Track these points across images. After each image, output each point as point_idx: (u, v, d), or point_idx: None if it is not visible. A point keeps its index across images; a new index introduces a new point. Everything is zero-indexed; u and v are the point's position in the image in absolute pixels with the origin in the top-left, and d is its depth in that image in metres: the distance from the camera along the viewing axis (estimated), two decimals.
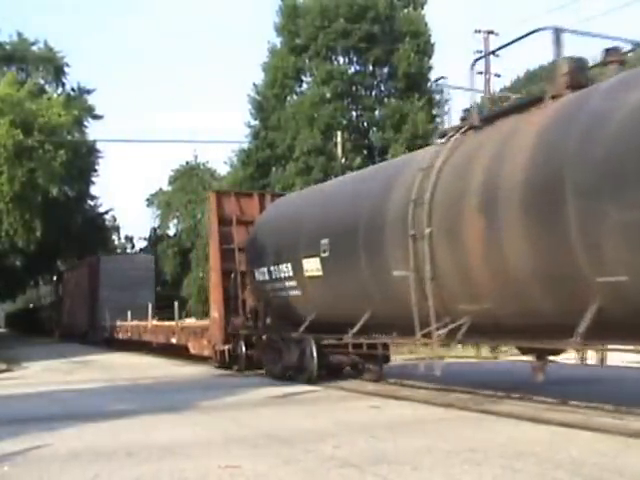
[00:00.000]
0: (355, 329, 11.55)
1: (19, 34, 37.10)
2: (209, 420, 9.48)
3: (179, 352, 21.19)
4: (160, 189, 76.38)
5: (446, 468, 6.22)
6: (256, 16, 60.49)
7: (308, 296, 13.30)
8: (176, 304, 21.97)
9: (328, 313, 12.86)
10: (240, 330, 16.44)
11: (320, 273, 12.65)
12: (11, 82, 30.43)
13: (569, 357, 14.22)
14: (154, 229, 68.63)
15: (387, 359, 14.33)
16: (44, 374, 18.18)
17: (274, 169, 35.35)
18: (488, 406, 9.97)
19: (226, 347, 16.67)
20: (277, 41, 36.72)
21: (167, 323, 23.48)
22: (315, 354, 13.45)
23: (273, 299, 14.73)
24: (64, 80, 38.15)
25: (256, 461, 6.64)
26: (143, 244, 65.43)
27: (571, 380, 12.16)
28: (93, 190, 37.97)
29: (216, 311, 17.15)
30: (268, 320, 15.47)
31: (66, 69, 38.17)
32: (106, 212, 40.51)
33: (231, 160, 39.56)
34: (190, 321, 23.56)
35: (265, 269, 14.68)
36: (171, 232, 68.02)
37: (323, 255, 12.49)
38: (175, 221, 74.14)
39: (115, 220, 47.57)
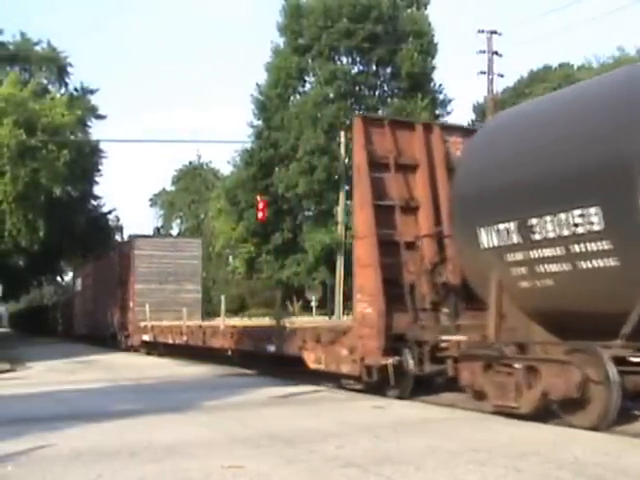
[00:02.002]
0: None
1: (22, 34, 37.12)
2: (212, 420, 9.47)
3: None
4: (163, 189, 76.95)
5: (449, 468, 6.22)
6: (259, 16, 60.54)
7: None
8: (278, 295, 17.29)
9: None
10: (416, 334, 10.92)
11: None
12: (14, 82, 30.42)
13: None
14: (157, 229, 69.00)
15: None
16: (47, 374, 18.17)
17: (277, 169, 35.41)
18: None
19: (389, 361, 10.91)
20: (280, 41, 36.92)
21: (259, 324, 18.94)
22: (616, 379, 7.99)
23: (522, 279, 8.89)
24: (67, 80, 38.13)
25: (259, 461, 6.64)
26: None
27: None
28: (96, 190, 37.86)
29: (369, 304, 11.28)
30: (506, 318, 9.45)
31: (69, 69, 38.16)
32: (109, 212, 40.30)
33: (234, 160, 39.73)
34: (303, 320, 18.43)
35: (508, 226, 8.82)
36: (174, 232, 68.30)
37: None
38: (178, 221, 74.61)
39: (118, 220, 47.54)
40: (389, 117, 12.98)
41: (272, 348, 14.70)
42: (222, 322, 18.35)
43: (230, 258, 47.43)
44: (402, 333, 11.02)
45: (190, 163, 73.53)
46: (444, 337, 10.47)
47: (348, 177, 33.35)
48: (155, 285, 26.82)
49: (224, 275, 50.15)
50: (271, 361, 15.59)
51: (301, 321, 17.45)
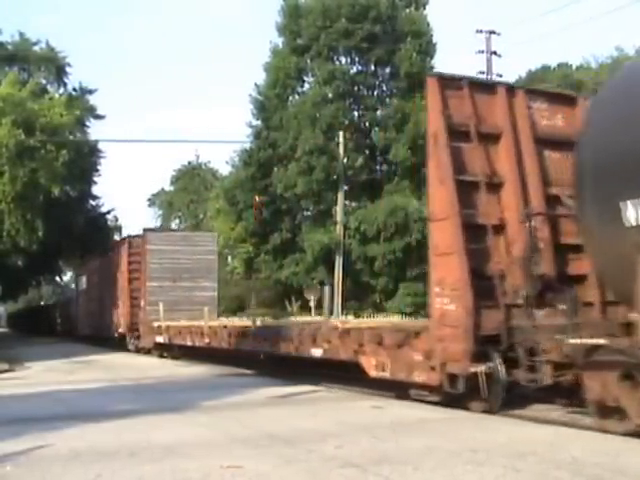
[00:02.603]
0: None
1: (21, 34, 37.13)
2: (211, 420, 9.48)
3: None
4: (162, 189, 76.94)
5: (448, 468, 6.23)
6: (258, 15, 60.61)
7: None
8: (327, 289, 13.86)
9: None
10: (524, 335, 9.10)
11: None
12: (13, 82, 30.43)
13: None
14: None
15: None
16: (46, 374, 18.16)
17: (276, 169, 35.39)
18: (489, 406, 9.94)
19: (480, 369, 9.09)
20: (279, 41, 36.87)
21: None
22: None
23: None
24: (66, 80, 38.14)
25: (258, 461, 6.65)
26: None
27: None
28: (95, 190, 37.86)
29: (452, 299, 9.46)
30: None
31: (68, 69, 38.17)
32: (108, 212, 40.27)
33: (233, 160, 39.72)
34: (354, 320, 15.67)
35: None
36: None
37: None
38: (177, 221, 74.54)
39: (117, 220, 47.47)
40: (469, 78, 10.73)
41: (319, 352, 12.60)
42: (253, 321, 16.37)
43: (229, 258, 47.38)
44: (492, 334, 9.22)
45: (189, 163, 73.55)
46: (571, 340, 8.24)
47: (346, 177, 33.44)
48: (168, 282, 24.78)
49: (223, 275, 50.13)
50: (315, 365, 13.65)
51: (356, 321, 15.26)
